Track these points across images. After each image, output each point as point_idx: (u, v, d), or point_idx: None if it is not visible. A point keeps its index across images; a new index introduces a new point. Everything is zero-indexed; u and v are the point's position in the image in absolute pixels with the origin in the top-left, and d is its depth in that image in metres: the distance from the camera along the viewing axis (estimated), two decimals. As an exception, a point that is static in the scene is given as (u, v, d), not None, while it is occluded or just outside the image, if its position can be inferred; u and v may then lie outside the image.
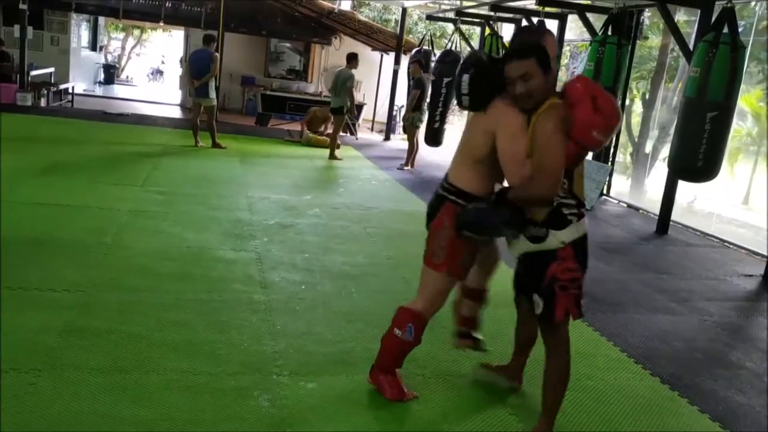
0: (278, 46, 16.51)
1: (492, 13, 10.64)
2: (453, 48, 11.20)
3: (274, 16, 14.95)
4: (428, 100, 10.46)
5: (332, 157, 10.58)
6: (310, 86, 16.54)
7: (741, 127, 12.65)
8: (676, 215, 8.03)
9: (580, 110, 2.63)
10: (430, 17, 13.92)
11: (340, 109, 10.43)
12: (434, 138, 10.82)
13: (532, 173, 2.61)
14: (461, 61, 2.94)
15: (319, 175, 9.29)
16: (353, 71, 10.40)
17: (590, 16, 9.10)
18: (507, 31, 12.20)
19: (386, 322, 4.01)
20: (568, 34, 10.50)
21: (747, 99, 11.84)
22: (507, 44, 11.18)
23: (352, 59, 10.46)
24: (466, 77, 2.84)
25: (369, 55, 15.49)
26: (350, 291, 4.53)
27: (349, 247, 5.64)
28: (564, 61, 14.05)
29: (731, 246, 7.42)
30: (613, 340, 4.17)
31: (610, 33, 7.58)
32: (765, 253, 6.45)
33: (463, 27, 12.39)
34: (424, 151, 11.26)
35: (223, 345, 3.45)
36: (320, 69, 16.36)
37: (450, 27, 15.06)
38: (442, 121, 10.71)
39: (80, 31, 16.67)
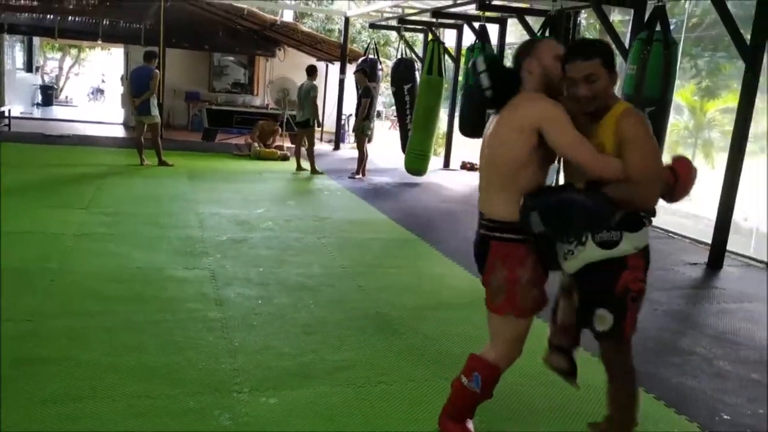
0: (222, 59, 16.35)
1: (434, 20, 10.77)
2: (402, 55, 11.44)
3: (216, 30, 14.80)
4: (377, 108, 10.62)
5: (314, 171, 10.46)
6: (256, 99, 16.43)
7: (678, 120, 13.06)
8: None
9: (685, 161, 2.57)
10: (373, 26, 14.00)
11: (307, 122, 10.35)
12: None
13: (634, 179, 2.35)
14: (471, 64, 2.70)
15: (270, 188, 9.22)
16: (314, 83, 10.41)
17: (530, 19, 9.28)
18: (449, 36, 12.35)
19: (344, 332, 4.03)
20: (509, 38, 10.69)
21: (682, 94, 12.25)
22: (449, 49, 11.41)
23: (313, 72, 10.49)
24: (480, 59, 2.59)
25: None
26: (307, 303, 4.50)
27: (303, 258, 5.60)
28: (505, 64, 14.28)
29: (676, 236, 7.66)
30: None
31: (547, 34, 7.75)
32: (708, 242, 6.65)
33: (407, 34, 12.53)
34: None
35: (179, 366, 3.39)
36: (266, 81, 16.26)
37: (394, 35, 15.21)
38: None
39: (14, 53, 16.19)
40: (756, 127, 7.62)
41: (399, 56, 11.60)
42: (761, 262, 6.54)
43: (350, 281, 5.11)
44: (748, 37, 5.97)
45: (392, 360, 3.67)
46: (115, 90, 23.14)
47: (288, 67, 15.40)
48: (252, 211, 7.30)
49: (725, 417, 3.32)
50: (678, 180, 2.52)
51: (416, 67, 11.30)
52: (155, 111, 9.81)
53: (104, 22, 14.24)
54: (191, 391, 3.13)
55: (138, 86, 9.66)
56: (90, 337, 3.65)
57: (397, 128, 12.47)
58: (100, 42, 15.39)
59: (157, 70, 9.92)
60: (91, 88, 26.80)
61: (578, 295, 2.62)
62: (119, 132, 14.61)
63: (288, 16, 16.27)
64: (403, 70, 11.10)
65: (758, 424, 3.27)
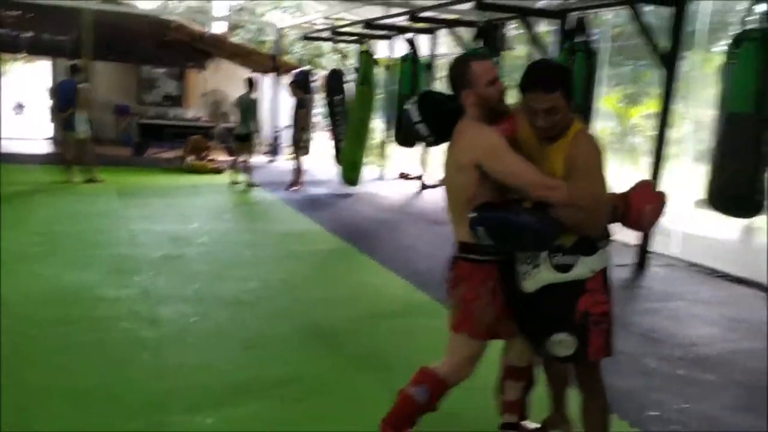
0: (151, 72, 15.98)
1: (366, 31, 10.86)
2: (336, 66, 11.50)
3: (144, 42, 14.46)
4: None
5: (251, 184, 10.29)
6: (188, 112, 16.12)
7: (606, 126, 13.52)
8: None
9: (644, 190, 2.58)
10: (306, 37, 14.00)
11: (248, 136, 10.22)
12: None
13: (579, 204, 2.33)
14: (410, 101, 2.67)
15: (204, 202, 9.07)
16: (252, 95, 10.31)
17: (460, 30, 9.47)
18: (383, 48, 12.47)
19: (284, 346, 4.00)
20: (441, 48, 10.88)
21: (608, 100, 12.68)
22: (383, 60, 11.51)
23: (252, 84, 10.40)
24: (413, 107, 2.58)
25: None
26: (245, 317, 4.46)
27: (240, 272, 5.54)
28: (439, 74, 14.48)
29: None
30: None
31: (482, 44, 7.96)
32: (634, 243, 6.90)
33: (341, 45, 12.59)
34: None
35: (113, 387, 3.30)
36: (198, 94, 15.99)
37: (327, 46, 15.24)
38: None
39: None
40: (676, 131, 7.97)
41: (333, 67, 11.67)
42: (684, 261, 6.84)
43: (289, 294, 5.09)
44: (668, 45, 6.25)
45: (333, 371, 3.68)
46: (42, 104, 22.30)
47: (221, 79, 15.22)
48: (186, 226, 7.18)
49: (653, 413, 3.45)
50: (630, 207, 2.52)
51: (348, 78, 11.36)
52: (83, 126, 9.50)
53: (27, 35, 13.72)
54: (125, 413, 3.06)
55: (64, 100, 9.38)
56: (21, 360, 3.53)
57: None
58: (24, 55, 14.83)
59: (86, 84, 9.65)
60: (15, 103, 25.77)
61: (536, 319, 2.55)
62: (46, 148, 14.11)
63: (222, 27, 16.10)
64: (334, 82, 11.13)
65: (684, 418, 3.41)
